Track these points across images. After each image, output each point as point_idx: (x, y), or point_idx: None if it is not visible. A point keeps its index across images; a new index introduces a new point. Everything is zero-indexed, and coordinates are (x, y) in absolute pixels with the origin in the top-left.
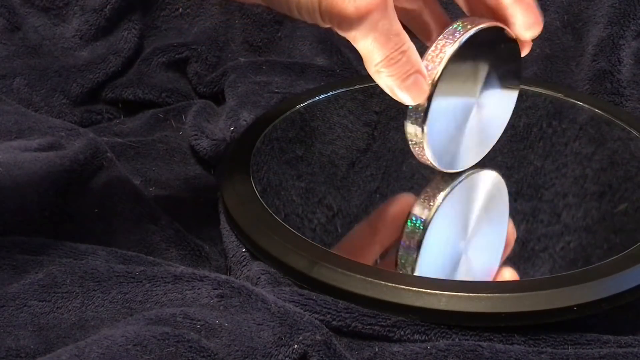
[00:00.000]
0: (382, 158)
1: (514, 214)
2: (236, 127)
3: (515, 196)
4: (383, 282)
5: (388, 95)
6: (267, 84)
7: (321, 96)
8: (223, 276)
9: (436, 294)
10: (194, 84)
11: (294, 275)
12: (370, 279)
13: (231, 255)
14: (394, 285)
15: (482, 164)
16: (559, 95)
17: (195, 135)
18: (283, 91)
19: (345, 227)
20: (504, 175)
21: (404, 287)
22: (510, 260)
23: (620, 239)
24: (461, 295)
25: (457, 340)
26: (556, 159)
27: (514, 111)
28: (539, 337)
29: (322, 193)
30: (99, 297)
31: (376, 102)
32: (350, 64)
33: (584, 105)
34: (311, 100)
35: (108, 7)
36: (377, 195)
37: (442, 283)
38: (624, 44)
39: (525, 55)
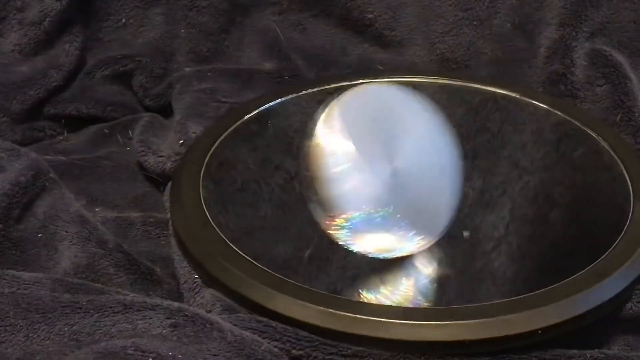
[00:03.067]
0: None
1: (461, 228)
2: (186, 141)
3: (464, 208)
4: (342, 313)
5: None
6: (213, 92)
7: (270, 104)
8: (176, 304)
9: (396, 323)
10: (140, 97)
11: (249, 306)
12: (329, 309)
13: (183, 282)
14: (353, 315)
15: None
16: (514, 94)
17: (143, 151)
18: (230, 100)
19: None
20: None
21: (364, 317)
22: (462, 282)
23: (579, 255)
24: (422, 324)
25: None
26: (509, 166)
27: (463, 113)
28: (504, 356)
29: (280, 214)
30: (44, 329)
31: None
32: (299, 69)
33: (540, 104)
34: (260, 109)
35: (47, 20)
36: None
37: (402, 312)
38: (576, 46)
39: (476, 59)
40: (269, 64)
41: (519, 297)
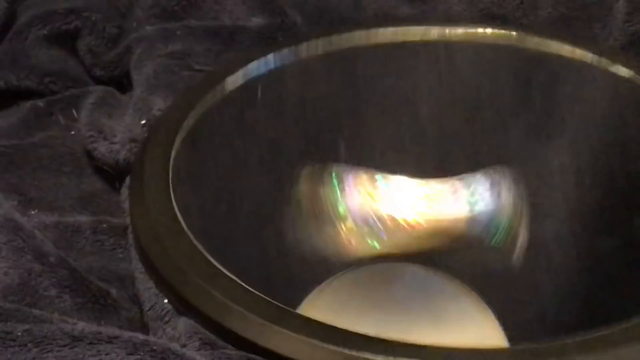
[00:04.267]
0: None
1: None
2: (149, 121)
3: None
4: (363, 355)
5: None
6: (184, 56)
7: (259, 65)
8: (141, 336)
9: None
10: (88, 64)
11: (236, 342)
12: (345, 350)
13: (148, 308)
14: (383, 357)
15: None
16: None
17: (92, 136)
18: (207, 68)
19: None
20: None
21: (393, 358)
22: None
23: None
24: None
25: None
26: (583, 162)
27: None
28: None
29: (280, 219)
30: None
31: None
32: (297, 28)
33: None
34: (248, 72)
35: None
36: None
37: (444, 354)
38: None
39: (533, 16)
40: (257, 20)
41: (590, 336)
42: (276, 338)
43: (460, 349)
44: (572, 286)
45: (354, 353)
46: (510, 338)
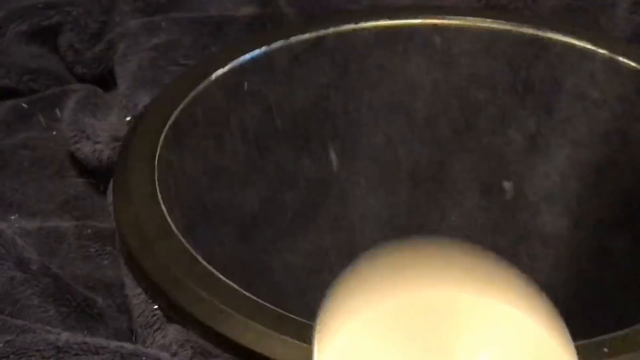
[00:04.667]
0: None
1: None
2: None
3: None
4: None
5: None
6: (170, 49)
7: (246, 57)
8: (129, 346)
9: None
10: (70, 61)
11: (232, 350)
12: None
13: (137, 315)
14: None
15: None
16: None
17: (75, 136)
18: (193, 61)
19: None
20: None
21: None
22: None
23: None
24: None
25: None
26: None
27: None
28: None
29: (277, 216)
30: None
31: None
32: (287, 18)
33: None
34: (233, 64)
35: None
36: None
37: None
38: None
39: (535, 7)
40: (246, 10)
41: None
42: (275, 344)
43: None
44: (584, 285)
45: None
46: None
